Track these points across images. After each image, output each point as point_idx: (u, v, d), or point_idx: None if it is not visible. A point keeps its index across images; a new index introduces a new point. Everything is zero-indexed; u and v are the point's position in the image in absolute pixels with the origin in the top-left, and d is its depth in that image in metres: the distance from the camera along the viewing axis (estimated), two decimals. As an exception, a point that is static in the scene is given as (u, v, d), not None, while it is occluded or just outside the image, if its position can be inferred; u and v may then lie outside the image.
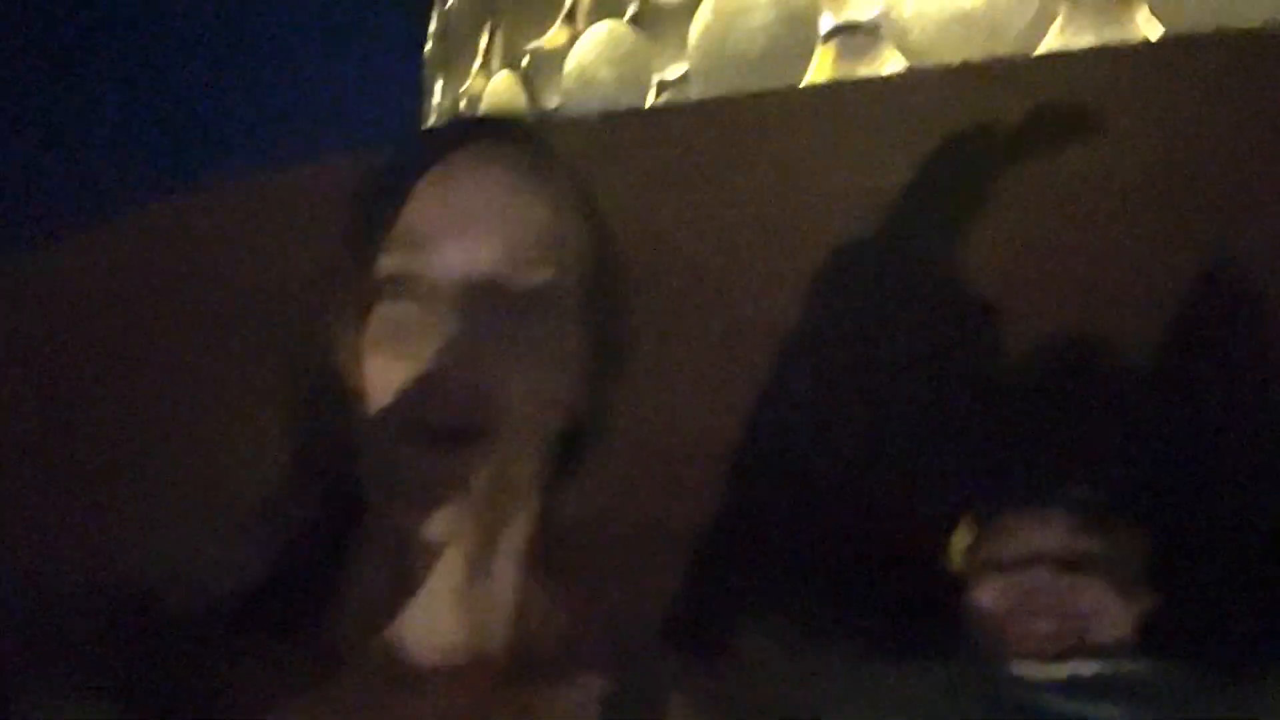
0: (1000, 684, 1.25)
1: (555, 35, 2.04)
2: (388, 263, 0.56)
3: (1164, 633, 1.27)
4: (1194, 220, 1.54)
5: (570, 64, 2.01)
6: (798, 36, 2.00)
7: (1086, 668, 1.24)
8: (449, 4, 2.29)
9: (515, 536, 0.60)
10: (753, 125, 1.74)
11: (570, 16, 2.06)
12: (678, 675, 0.63)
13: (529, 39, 2.01)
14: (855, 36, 1.98)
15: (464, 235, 0.57)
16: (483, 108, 1.95)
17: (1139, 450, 1.51)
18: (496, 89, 1.98)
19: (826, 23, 1.98)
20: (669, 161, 1.69)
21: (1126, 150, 1.55)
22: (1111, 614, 1.27)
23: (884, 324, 1.59)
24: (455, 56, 2.09)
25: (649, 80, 2.08)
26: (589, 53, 2.03)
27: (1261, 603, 1.37)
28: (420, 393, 0.54)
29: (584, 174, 0.63)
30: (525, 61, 2.02)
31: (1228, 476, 1.48)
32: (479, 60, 2.02)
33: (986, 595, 1.30)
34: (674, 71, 2.09)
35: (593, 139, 1.66)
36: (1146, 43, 1.77)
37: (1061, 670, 1.24)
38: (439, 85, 2.36)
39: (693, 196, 1.66)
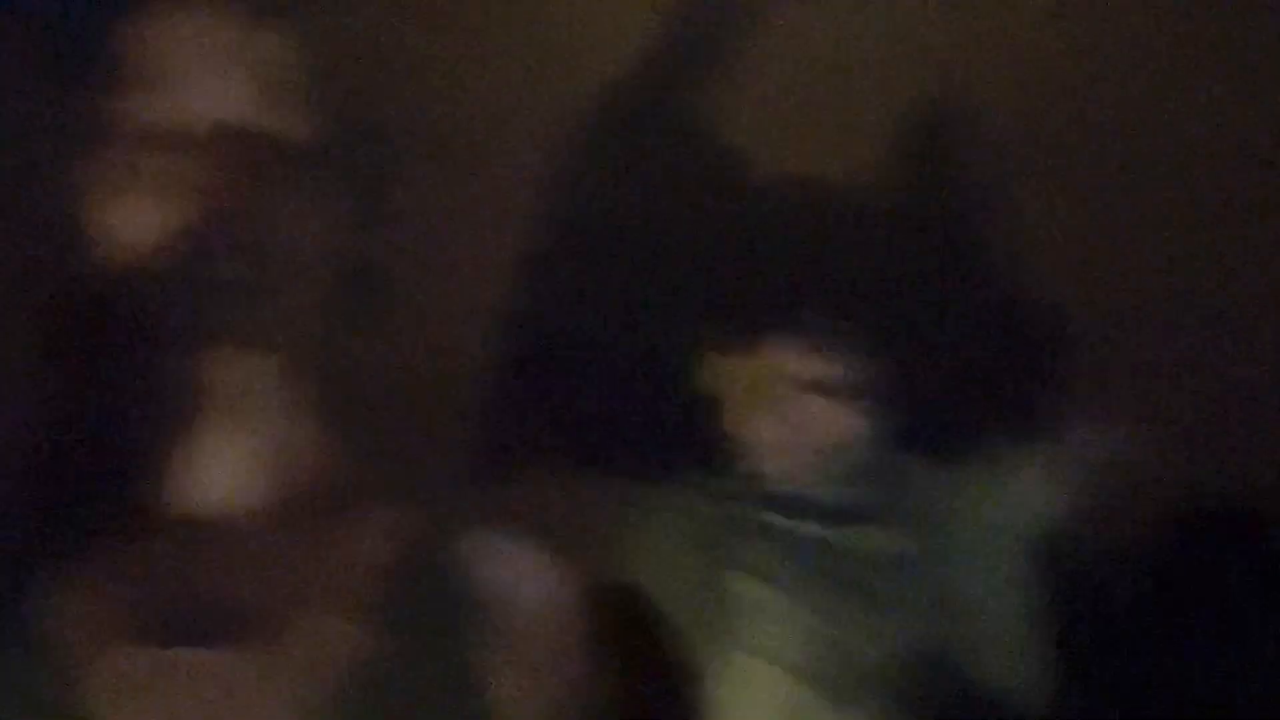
0: (753, 486, 1.39)
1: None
2: (120, 105, 0.54)
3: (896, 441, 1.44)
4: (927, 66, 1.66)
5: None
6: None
7: (829, 463, 1.40)
8: None
9: (292, 383, 0.60)
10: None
11: None
12: (470, 508, 0.65)
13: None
14: None
15: (207, 75, 0.55)
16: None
17: (874, 281, 1.64)
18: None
19: None
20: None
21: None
22: (847, 426, 1.43)
23: (636, 172, 1.67)
24: None
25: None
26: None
27: (979, 407, 1.55)
28: (185, 243, 0.53)
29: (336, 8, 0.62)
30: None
31: (956, 306, 1.65)
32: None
33: (740, 413, 1.43)
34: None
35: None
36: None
37: (810, 468, 1.39)
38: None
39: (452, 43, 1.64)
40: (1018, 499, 1.38)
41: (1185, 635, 1.54)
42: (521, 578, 0.62)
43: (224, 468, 0.58)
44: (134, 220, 0.54)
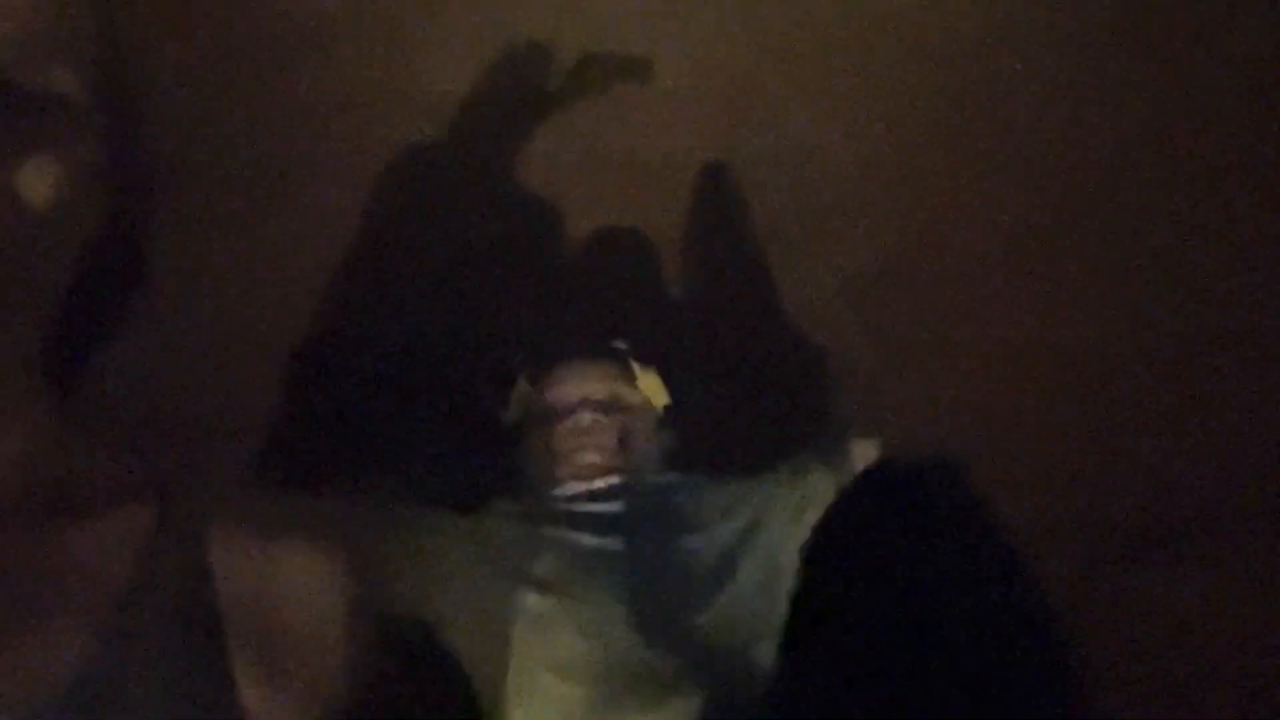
0: (547, 504, 1.46)
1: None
2: None
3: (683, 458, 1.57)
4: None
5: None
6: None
7: (620, 479, 1.49)
8: None
9: (20, 375, 0.55)
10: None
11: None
12: (221, 505, 0.62)
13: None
14: None
15: None
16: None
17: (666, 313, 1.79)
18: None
19: None
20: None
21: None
22: (644, 446, 1.55)
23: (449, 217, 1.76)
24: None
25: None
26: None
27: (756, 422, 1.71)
28: None
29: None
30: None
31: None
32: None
33: (542, 436, 1.53)
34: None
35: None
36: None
37: (601, 484, 1.47)
38: None
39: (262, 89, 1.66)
40: (792, 508, 1.45)
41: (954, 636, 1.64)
42: (274, 581, 0.60)
43: None
44: None
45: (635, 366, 1.58)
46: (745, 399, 1.73)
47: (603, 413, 1.50)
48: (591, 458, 1.48)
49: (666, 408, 1.60)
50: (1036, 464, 1.66)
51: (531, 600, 1.32)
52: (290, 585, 0.61)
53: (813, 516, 1.51)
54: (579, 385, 1.52)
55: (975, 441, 1.75)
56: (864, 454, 1.60)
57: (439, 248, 1.70)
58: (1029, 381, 1.75)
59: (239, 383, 1.56)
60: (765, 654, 1.29)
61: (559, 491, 1.47)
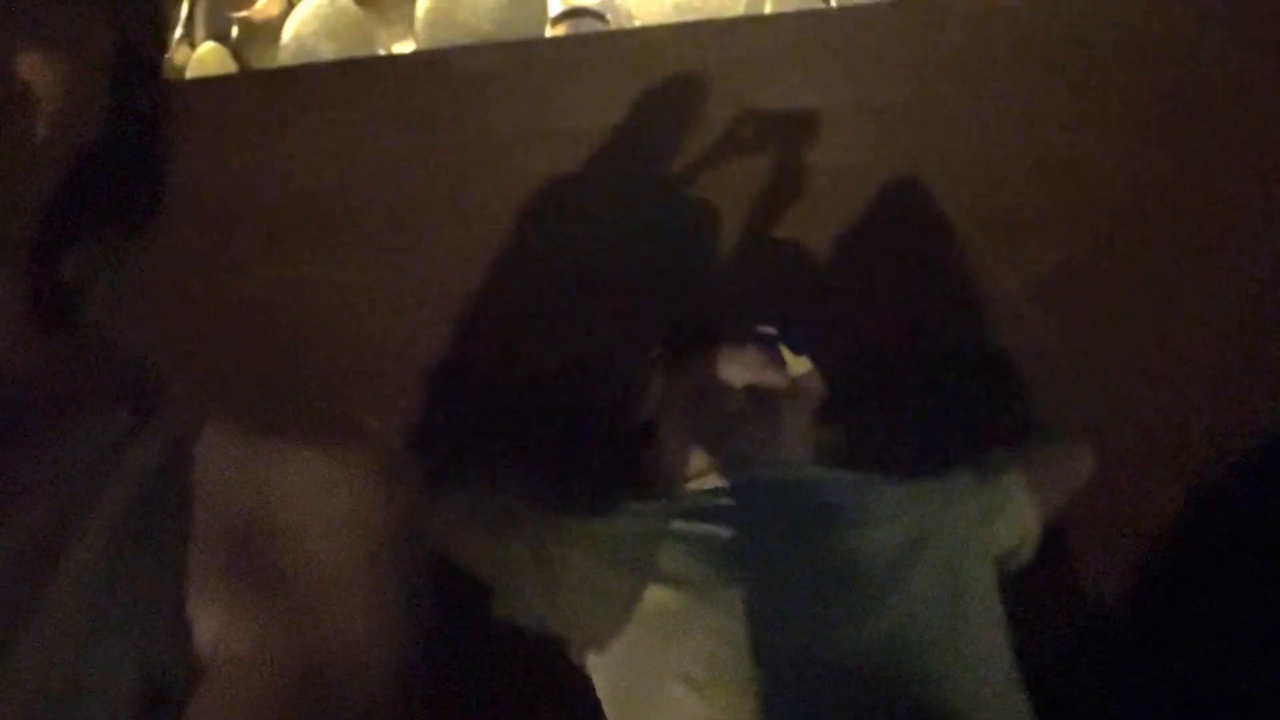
0: (683, 499, 1.30)
1: (266, 6, 1.97)
2: None
3: (843, 454, 1.40)
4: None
5: (287, 36, 1.94)
6: (526, 16, 1.99)
7: (767, 471, 1.31)
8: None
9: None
10: (475, 74, 1.74)
11: (285, -15, 1.99)
12: (218, 404, 0.55)
13: (237, 8, 1.94)
14: (584, 19, 1.98)
15: None
16: (190, 75, 1.86)
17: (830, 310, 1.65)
18: (203, 57, 1.91)
19: (555, 6, 1.98)
20: (395, 105, 1.72)
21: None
22: (794, 440, 1.36)
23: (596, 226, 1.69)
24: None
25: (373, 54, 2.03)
26: (307, 24, 1.97)
27: (926, 421, 1.53)
28: None
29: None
30: (234, 32, 1.95)
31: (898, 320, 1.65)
32: (179, 31, 1.94)
33: (680, 427, 1.38)
34: (400, 48, 2.06)
35: (321, 85, 1.75)
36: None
37: (744, 476, 1.30)
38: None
39: (415, 137, 1.69)
40: (977, 515, 1.29)
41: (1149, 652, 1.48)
42: (270, 490, 0.52)
43: None
44: None
45: (786, 353, 1.42)
46: (917, 397, 1.56)
47: (748, 400, 1.35)
48: (733, 447, 1.32)
49: (824, 400, 1.43)
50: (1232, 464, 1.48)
51: (662, 599, 1.17)
52: (284, 499, 0.52)
53: (1003, 526, 1.32)
54: (722, 371, 1.37)
55: (1175, 444, 1.62)
56: (1065, 459, 1.44)
57: (582, 258, 1.64)
58: (1227, 384, 1.57)
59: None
60: (943, 684, 1.11)
61: (695, 485, 1.32)
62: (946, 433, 1.49)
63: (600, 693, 1.22)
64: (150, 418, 0.53)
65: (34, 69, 0.46)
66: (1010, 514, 1.33)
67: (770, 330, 1.44)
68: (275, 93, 1.74)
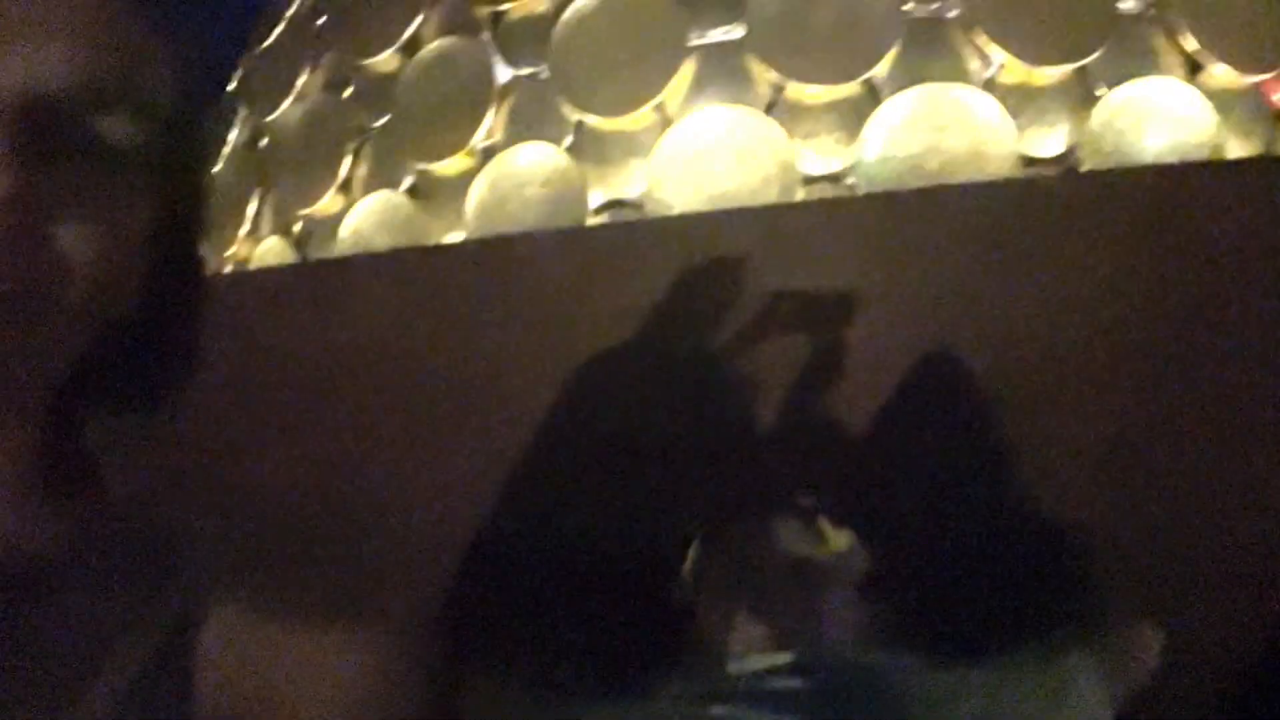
0: (724, 683, 1.24)
1: (329, 203, 2.08)
2: None
3: (892, 634, 1.31)
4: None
5: (345, 230, 2.04)
6: (569, 209, 2.08)
7: (809, 653, 1.24)
8: (215, 170, 2.34)
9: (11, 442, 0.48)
10: (521, 263, 1.82)
11: (345, 186, 2.10)
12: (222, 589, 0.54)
13: (301, 206, 2.05)
14: (622, 211, 2.07)
15: (28, 33, 0.43)
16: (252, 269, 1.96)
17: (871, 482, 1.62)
18: (266, 251, 2.00)
19: (596, 198, 2.05)
20: (442, 292, 1.79)
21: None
22: (837, 618, 1.30)
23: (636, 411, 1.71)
24: (220, 223, 2.11)
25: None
26: (365, 220, 2.08)
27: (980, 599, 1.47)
28: None
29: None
30: (297, 228, 2.05)
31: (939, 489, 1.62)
32: (246, 227, 2.05)
33: (718, 605, 1.32)
34: (451, 239, 2.14)
35: (379, 277, 1.81)
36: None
37: (786, 658, 1.23)
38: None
39: (462, 321, 1.76)
40: (1042, 700, 1.21)
41: None
42: (271, 671, 0.52)
43: None
44: None
45: (826, 527, 1.39)
46: (970, 573, 1.50)
47: (789, 576, 1.32)
48: (776, 626, 1.27)
49: (868, 574, 1.38)
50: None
51: None
52: (293, 675, 0.52)
53: (1070, 713, 1.33)
54: (761, 546, 1.35)
55: (1242, 620, 1.54)
56: (1133, 640, 1.39)
57: (623, 437, 1.66)
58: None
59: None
60: None
61: (737, 668, 1.26)
62: (999, 613, 1.43)
63: None
64: (156, 600, 0.52)
65: (72, 238, 0.46)
66: (1077, 698, 1.25)
67: (810, 504, 1.42)
68: (327, 282, 1.81)
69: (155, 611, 0.52)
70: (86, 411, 0.53)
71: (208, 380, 0.59)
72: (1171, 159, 1.93)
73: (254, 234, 2.08)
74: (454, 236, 2.15)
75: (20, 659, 0.48)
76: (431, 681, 0.57)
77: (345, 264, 1.92)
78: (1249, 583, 1.51)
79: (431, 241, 2.11)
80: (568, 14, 2.07)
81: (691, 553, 1.43)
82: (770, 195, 2.01)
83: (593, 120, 2.03)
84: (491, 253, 1.86)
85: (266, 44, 2.41)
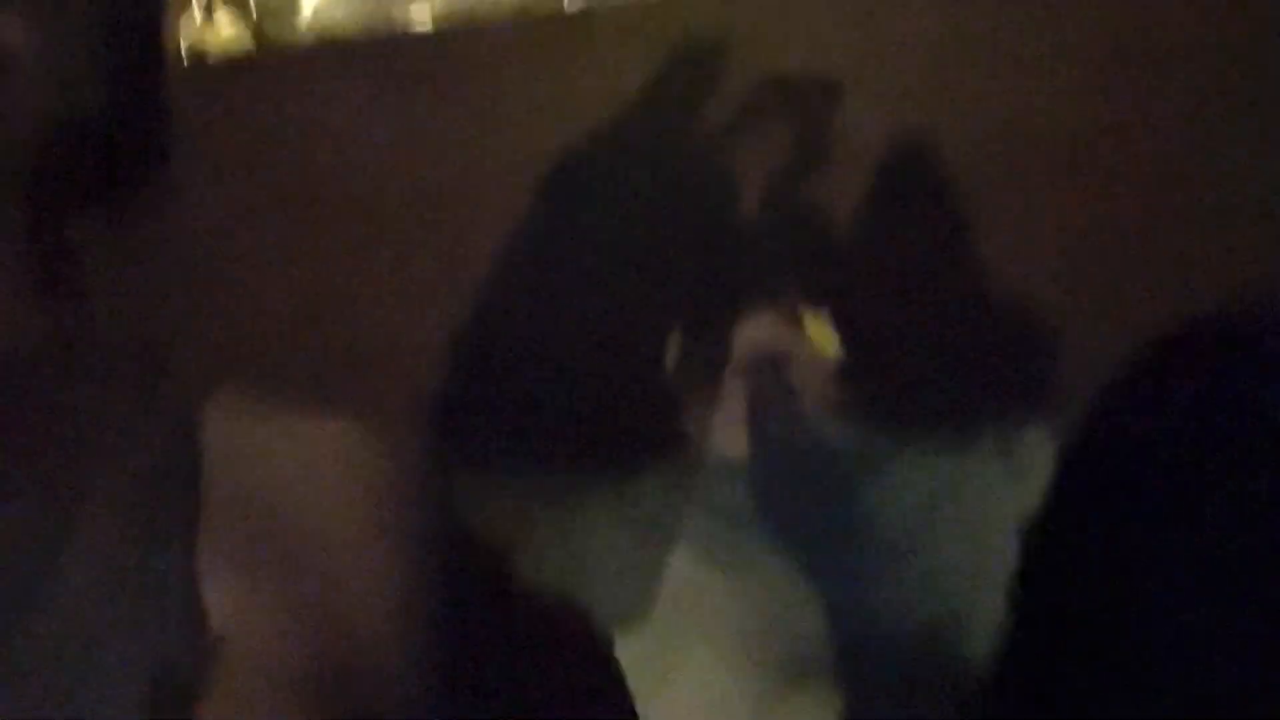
0: (704, 466, 1.32)
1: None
2: None
3: (862, 418, 1.39)
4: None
5: (306, 9, 1.95)
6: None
7: (787, 436, 1.33)
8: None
9: None
10: (494, 51, 1.76)
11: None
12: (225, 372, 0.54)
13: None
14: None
15: None
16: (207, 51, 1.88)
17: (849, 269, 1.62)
18: (226, 40, 1.92)
19: None
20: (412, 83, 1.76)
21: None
22: (815, 401, 1.38)
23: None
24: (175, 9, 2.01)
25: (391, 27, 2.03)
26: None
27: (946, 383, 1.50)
28: None
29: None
30: (254, 7, 1.96)
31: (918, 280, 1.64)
32: (201, 14, 1.95)
33: (699, 393, 1.39)
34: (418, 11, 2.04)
35: (339, 66, 1.77)
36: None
37: (765, 441, 1.32)
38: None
39: (433, 113, 1.72)
40: (1001, 475, 1.30)
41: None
42: (278, 458, 0.51)
43: None
44: None
45: (805, 312, 1.44)
46: (940, 356, 1.55)
47: (767, 363, 1.38)
48: (755, 412, 1.34)
49: (843, 360, 1.44)
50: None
51: (684, 569, 1.21)
52: (298, 469, 0.51)
53: (1029, 487, 1.40)
54: (741, 334, 1.40)
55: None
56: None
57: (603, 230, 1.66)
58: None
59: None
60: (959, 647, 1.12)
61: (718, 452, 1.35)
62: (970, 393, 1.48)
63: (625, 661, 1.23)
64: (154, 394, 0.52)
65: (9, 30, 0.45)
66: (1037, 474, 1.32)
67: (789, 289, 1.46)
68: (293, 71, 1.75)
69: (154, 409, 0.53)
70: (63, 211, 0.51)
71: (179, 176, 0.58)
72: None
73: (209, 19, 1.98)
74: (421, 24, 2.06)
75: (19, 461, 0.49)
76: (424, 473, 0.55)
77: (309, 55, 1.84)
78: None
79: (396, 13, 2.03)
80: None
81: (672, 345, 1.46)
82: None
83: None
84: (461, 43, 1.79)
85: None
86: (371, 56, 1.78)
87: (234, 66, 1.83)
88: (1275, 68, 1.65)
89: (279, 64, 1.81)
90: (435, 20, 1.89)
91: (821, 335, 1.43)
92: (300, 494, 0.50)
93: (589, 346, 1.59)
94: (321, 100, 1.70)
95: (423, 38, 1.87)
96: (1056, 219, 1.65)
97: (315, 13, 1.97)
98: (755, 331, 1.39)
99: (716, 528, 1.24)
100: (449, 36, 1.82)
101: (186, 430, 0.51)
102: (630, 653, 1.22)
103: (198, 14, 1.93)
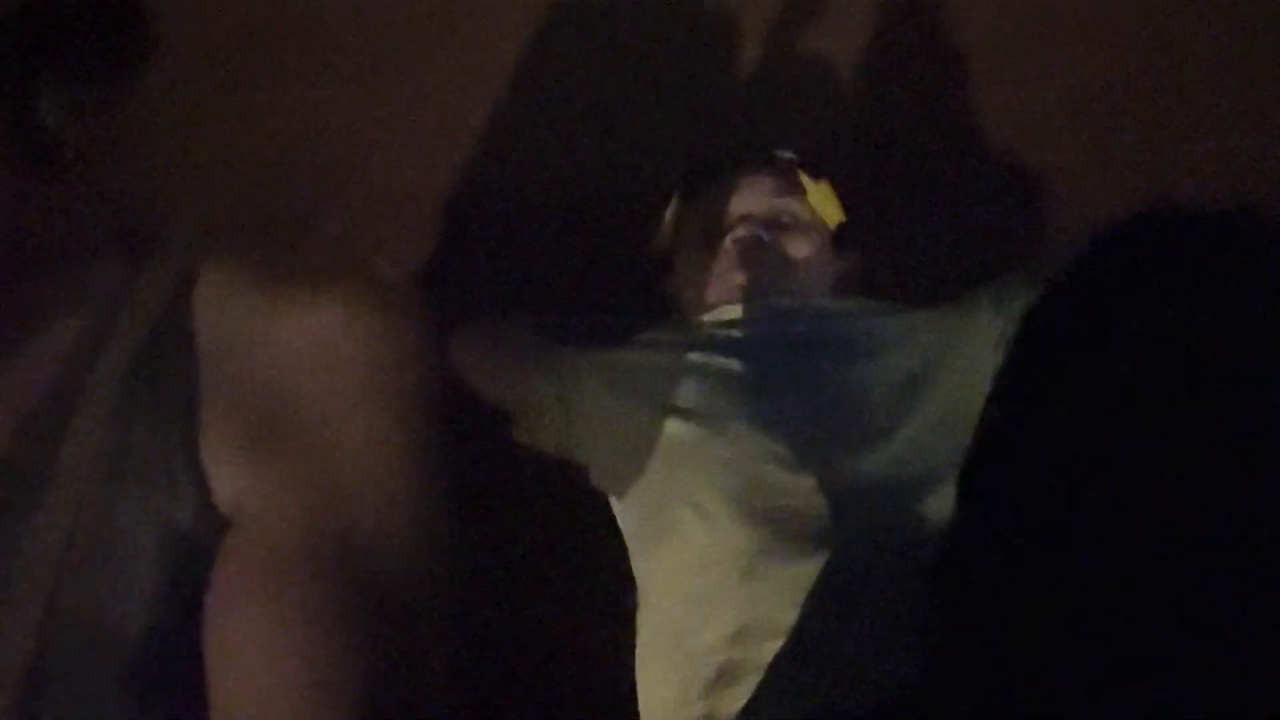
0: (697, 330, 1.29)
1: None
2: None
3: (855, 281, 1.38)
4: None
5: None
6: None
7: (783, 301, 1.29)
8: None
9: None
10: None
11: None
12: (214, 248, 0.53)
13: None
14: None
15: None
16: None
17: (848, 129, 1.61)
18: None
19: None
20: None
21: None
22: (812, 267, 1.34)
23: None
24: None
25: None
26: None
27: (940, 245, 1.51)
28: None
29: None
30: None
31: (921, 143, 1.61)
32: None
33: (696, 256, 1.35)
34: None
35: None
36: None
37: (760, 306, 1.28)
38: None
39: None
40: (991, 342, 1.23)
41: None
42: (272, 340, 0.50)
43: None
44: None
45: (805, 178, 1.37)
46: (939, 223, 1.53)
47: (765, 228, 1.31)
48: (750, 277, 1.29)
49: (842, 225, 1.39)
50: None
51: (674, 430, 1.18)
52: (293, 347, 0.50)
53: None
54: (739, 199, 1.33)
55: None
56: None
57: (596, 82, 1.60)
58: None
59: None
60: (939, 505, 1.12)
61: (711, 316, 1.31)
62: (967, 260, 1.46)
63: (620, 519, 1.26)
64: (146, 265, 0.51)
65: None
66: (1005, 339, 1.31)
67: (789, 155, 1.40)
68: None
69: (148, 282, 0.52)
70: (41, 86, 0.49)
71: (162, 38, 0.55)
72: None
73: None
74: None
75: (19, 332, 0.49)
76: (418, 339, 0.54)
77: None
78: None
79: None
80: None
81: (670, 204, 1.43)
82: None
83: None
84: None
85: None
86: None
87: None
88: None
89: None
90: None
91: (825, 202, 1.39)
92: (295, 365, 0.50)
93: (582, 204, 1.56)
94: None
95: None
96: (1057, 84, 1.60)
97: None
98: (755, 192, 1.34)
99: (705, 391, 1.21)
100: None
101: (179, 305, 0.51)
102: (624, 514, 1.25)
103: None
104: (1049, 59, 1.63)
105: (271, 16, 1.57)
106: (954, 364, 1.23)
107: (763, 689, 1.06)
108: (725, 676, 1.08)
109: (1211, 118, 1.58)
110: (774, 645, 1.06)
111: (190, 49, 1.40)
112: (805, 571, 1.08)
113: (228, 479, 0.48)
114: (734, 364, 1.22)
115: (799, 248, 1.33)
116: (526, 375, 1.28)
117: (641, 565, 1.22)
